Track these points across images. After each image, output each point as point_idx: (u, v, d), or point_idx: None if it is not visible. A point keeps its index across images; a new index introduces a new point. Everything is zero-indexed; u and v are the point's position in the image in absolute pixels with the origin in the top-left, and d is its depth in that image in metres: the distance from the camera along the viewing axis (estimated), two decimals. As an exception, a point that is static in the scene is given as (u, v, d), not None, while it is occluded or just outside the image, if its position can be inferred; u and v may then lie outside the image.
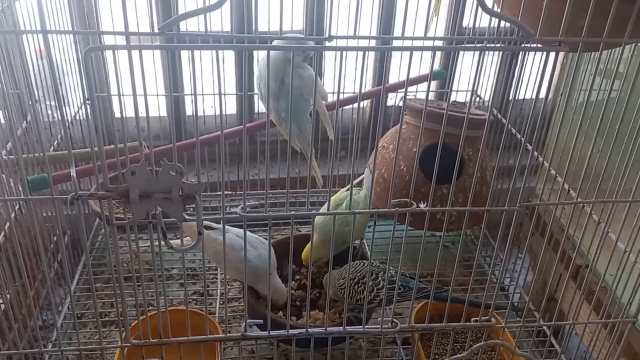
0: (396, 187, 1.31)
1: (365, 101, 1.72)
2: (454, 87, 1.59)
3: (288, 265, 1.16)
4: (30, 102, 0.99)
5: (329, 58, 1.49)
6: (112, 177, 1.34)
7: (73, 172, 0.65)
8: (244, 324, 0.80)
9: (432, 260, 1.05)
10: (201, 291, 1.30)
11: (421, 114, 1.32)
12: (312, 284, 1.15)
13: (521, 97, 1.29)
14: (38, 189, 0.99)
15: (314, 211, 0.74)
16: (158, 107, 1.45)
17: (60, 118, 0.66)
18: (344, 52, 0.64)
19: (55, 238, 1.18)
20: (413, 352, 1.04)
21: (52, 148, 1.18)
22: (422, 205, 0.75)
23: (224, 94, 1.44)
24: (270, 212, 0.70)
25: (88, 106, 1.35)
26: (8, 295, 0.85)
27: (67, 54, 1.25)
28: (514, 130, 1.36)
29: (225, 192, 1.53)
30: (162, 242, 0.69)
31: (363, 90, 1.45)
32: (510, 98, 1.46)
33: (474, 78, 0.77)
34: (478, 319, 0.83)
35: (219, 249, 1.05)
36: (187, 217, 0.67)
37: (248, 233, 1.09)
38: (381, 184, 1.34)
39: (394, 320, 0.82)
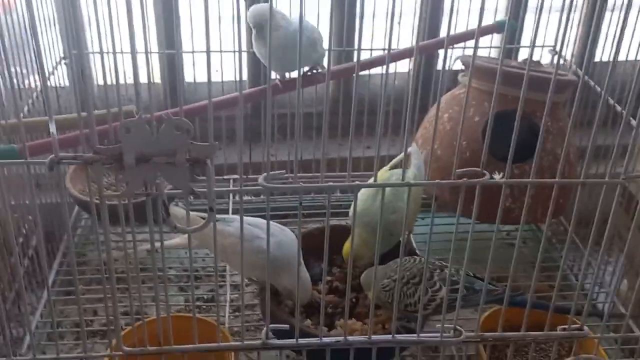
0: (452, 166, 1.28)
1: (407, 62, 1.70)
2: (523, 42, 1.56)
3: (316, 264, 1.15)
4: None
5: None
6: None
7: (52, 129, 0.64)
8: (264, 329, 0.78)
9: (500, 261, 1.02)
10: (205, 297, 1.30)
11: (486, 74, 1.29)
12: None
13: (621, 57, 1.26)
14: (5, 159, 0.98)
15: (357, 182, 0.72)
16: (148, 71, 1.44)
17: (39, 73, 0.65)
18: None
19: (25, 227, 1.18)
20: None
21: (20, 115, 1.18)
22: (496, 176, 0.73)
23: (241, 51, 1.43)
24: (300, 182, 0.69)
25: (65, 66, 1.35)
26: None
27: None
28: (611, 101, 1.31)
29: (236, 176, 1.54)
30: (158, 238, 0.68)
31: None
32: (607, 58, 1.41)
33: (558, 28, 0.74)
34: (567, 327, 0.80)
35: (227, 243, 1.04)
36: (195, 189, 0.66)
37: (261, 221, 1.08)
38: (433, 163, 1.31)
39: (457, 327, 0.80)
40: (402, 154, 1.23)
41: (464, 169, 0.74)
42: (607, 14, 1.35)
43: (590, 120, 1.11)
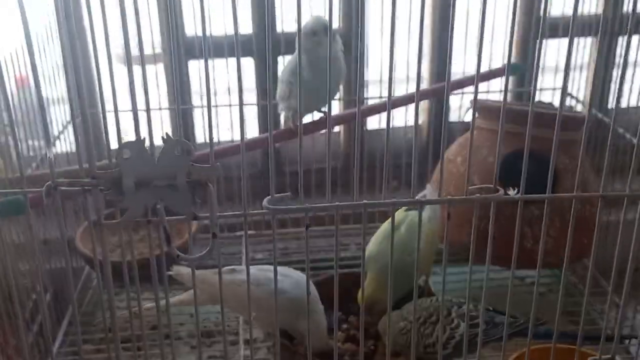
0: (470, 209, 1.25)
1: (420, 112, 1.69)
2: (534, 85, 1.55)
3: (332, 313, 1.11)
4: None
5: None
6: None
7: (50, 154, 0.63)
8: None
9: (522, 307, 0.98)
10: (218, 354, 1.25)
11: (497, 114, 1.27)
12: (365, 334, 1.08)
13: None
14: (10, 214, 0.97)
15: (365, 201, 0.69)
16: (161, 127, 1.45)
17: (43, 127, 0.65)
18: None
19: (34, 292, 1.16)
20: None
21: (29, 171, 1.18)
22: (511, 192, 0.70)
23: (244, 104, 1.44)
24: (307, 205, 0.66)
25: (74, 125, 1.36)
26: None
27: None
28: (627, 135, 1.29)
29: (249, 232, 1.51)
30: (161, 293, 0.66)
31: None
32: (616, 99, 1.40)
33: (564, 70, 0.73)
34: (597, 358, 0.76)
35: (240, 291, 1.01)
36: (197, 214, 0.64)
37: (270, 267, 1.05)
38: (449, 206, 1.28)
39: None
40: (419, 194, 1.21)
41: (477, 186, 0.71)
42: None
43: (614, 167, 1.09)
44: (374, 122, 1.61)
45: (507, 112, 1.25)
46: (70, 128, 1.36)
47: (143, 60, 0.61)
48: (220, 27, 1.38)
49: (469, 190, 0.70)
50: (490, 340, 0.92)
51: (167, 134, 0.61)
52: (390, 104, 0.70)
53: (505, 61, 1.43)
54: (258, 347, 1.26)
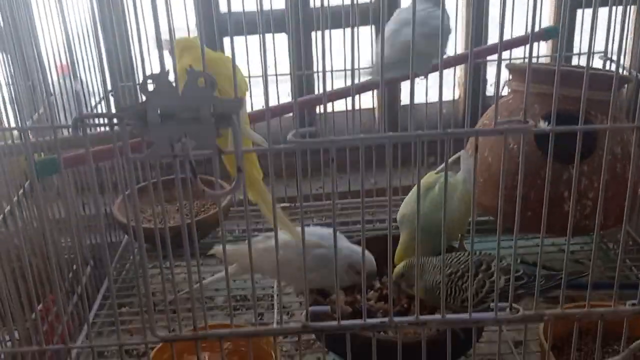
0: (506, 173, 1.23)
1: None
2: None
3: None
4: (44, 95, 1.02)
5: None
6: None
7: (77, 86, 0.64)
8: (304, 312, 0.74)
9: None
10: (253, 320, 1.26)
11: (534, 76, 1.26)
12: (397, 295, 1.07)
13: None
14: (46, 174, 0.99)
15: (391, 133, 0.68)
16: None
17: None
18: None
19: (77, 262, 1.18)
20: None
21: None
22: (542, 124, 0.69)
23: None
24: (332, 137, 0.66)
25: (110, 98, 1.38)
26: (17, 334, 0.83)
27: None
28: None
29: (282, 205, 1.52)
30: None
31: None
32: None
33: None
34: (636, 302, 0.73)
35: (273, 257, 1.01)
36: (221, 148, 0.64)
37: (311, 229, 1.05)
38: (484, 172, 1.27)
39: (513, 305, 0.74)
40: (453, 156, 1.20)
41: (506, 119, 0.69)
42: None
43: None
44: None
45: (540, 73, 1.25)
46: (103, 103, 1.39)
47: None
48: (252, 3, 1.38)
49: (498, 122, 0.68)
50: (530, 294, 0.90)
51: (190, 65, 0.62)
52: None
53: (543, 26, 1.41)
54: (293, 312, 1.26)
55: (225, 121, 0.63)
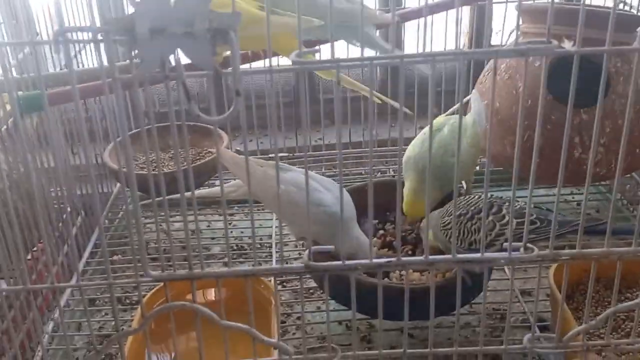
0: (515, 117, 1.19)
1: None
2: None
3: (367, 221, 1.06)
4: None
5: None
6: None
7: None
8: (307, 252, 0.70)
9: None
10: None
11: (544, 16, 1.20)
12: (402, 241, 1.03)
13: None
14: (30, 111, 0.94)
15: (402, 53, 0.63)
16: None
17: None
18: None
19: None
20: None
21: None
22: (567, 44, 0.63)
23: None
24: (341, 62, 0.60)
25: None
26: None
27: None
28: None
29: (282, 154, 1.47)
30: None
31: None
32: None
33: None
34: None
35: (281, 191, 0.97)
36: (218, 68, 0.59)
37: (316, 175, 1.00)
38: (492, 116, 1.22)
39: (527, 245, 0.70)
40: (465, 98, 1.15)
41: (527, 40, 0.64)
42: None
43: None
44: (412, 47, 1.55)
45: (557, 13, 1.18)
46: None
47: None
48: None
49: (519, 43, 0.63)
50: (543, 239, 0.86)
51: (183, -25, 0.56)
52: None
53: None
54: (292, 263, 1.22)
55: (223, 38, 0.58)
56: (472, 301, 0.99)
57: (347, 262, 0.69)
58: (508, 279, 1.10)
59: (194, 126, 1.40)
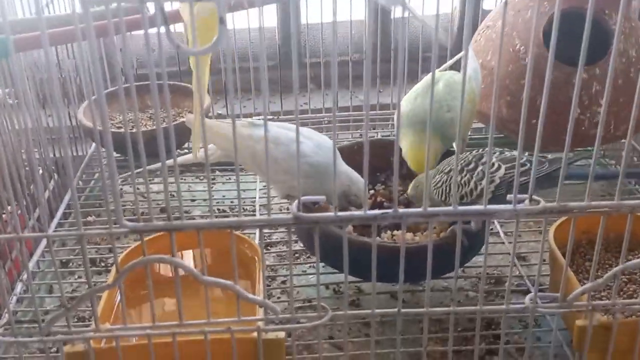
0: (510, 76, 1.14)
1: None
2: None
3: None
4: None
5: None
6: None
7: None
8: (295, 202, 0.65)
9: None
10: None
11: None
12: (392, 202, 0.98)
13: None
14: (-4, 57, 0.88)
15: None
16: None
17: None
18: None
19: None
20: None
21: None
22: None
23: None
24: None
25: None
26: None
27: None
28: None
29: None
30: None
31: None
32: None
33: None
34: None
35: (258, 148, 0.91)
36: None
37: (292, 126, 0.95)
38: (486, 77, 1.17)
39: (533, 197, 0.65)
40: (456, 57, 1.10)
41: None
42: None
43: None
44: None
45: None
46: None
47: None
48: None
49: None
50: (543, 187, 0.82)
51: None
52: None
53: None
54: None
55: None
56: (466, 264, 0.94)
57: (340, 214, 0.64)
58: (502, 243, 1.05)
59: (173, 86, 1.34)
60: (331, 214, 0.64)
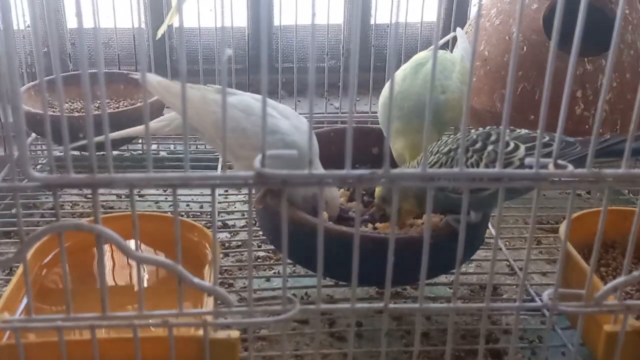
0: (506, 67, 1.02)
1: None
2: None
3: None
4: None
5: None
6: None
7: None
8: (258, 157, 0.50)
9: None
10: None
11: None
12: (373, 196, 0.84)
13: None
14: None
15: None
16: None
17: None
18: None
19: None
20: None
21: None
22: None
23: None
24: None
25: None
26: None
27: None
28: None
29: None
30: None
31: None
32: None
33: None
34: None
35: (219, 117, 0.76)
36: None
37: (270, 101, 0.81)
38: (479, 68, 1.05)
39: (558, 162, 0.51)
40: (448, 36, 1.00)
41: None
42: None
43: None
44: (384, 17, 1.40)
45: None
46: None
47: None
48: None
49: None
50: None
51: None
52: None
53: None
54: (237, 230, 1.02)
55: None
56: (463, 264, 0.80)
57: (315, 172, 0.49)
58: (500, 249, 0.92)
59: (126, 76, 1.19)
60: (304, 171, 0.49)
